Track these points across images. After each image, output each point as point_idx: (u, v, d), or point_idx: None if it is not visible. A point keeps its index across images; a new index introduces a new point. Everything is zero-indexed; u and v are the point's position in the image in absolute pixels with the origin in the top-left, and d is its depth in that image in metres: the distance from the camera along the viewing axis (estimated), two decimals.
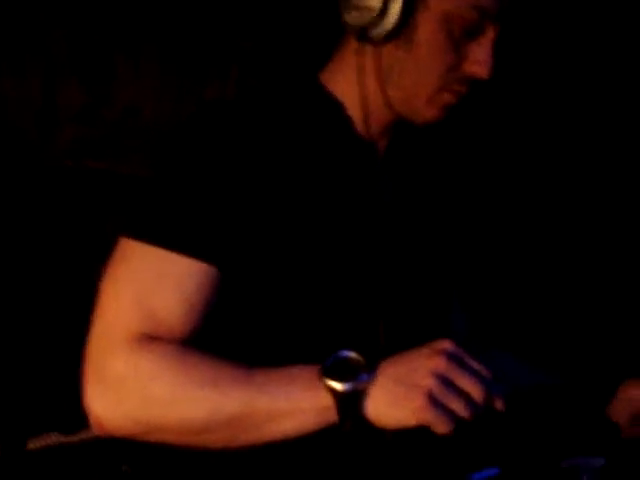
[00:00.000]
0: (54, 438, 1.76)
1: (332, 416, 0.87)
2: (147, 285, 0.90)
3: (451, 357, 0.87)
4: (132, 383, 0.87)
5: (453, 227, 1.19)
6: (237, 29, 2.09)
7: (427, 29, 0.96)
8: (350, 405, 0.86)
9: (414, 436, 0.90)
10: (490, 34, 0.97)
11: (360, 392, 0.86)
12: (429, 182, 1.16)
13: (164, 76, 1.97)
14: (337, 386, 0.86)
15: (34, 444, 1.74)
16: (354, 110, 1.03)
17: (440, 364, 0.86)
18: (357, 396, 0.86)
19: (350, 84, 1.02)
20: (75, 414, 1.84)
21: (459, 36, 0.96)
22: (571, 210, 2.08)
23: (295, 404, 0.88)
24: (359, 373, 0.87)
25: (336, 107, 1.03)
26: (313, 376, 0.87)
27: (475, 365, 0.88)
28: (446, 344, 0.88)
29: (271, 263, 0.95)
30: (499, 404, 0.88)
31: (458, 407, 0.85)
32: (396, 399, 0.86)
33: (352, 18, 0.95)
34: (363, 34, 0.96)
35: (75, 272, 2.20)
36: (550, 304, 2.02)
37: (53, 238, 2.16)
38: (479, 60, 0.97)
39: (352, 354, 0.88)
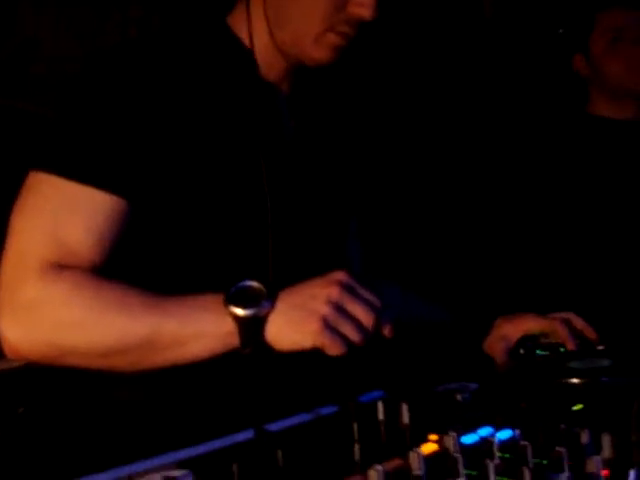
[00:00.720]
0: None
1: (235, 341, 0.92)
2: (58, 216, 0.93)
3: (345, 286, 0.92)
4: (44, 308, 0.91)
5: (349, 162, 1.23)
6: None
7: None
8: (251, 330, 0.91)
9: (304, 359, 0.95)
10: None
11: (261, 317, 0.91)
12: (328, 121, 1.20)
13: (64, 9, 1.92)
14: (239, 312, 0.91)
15: None
16: (257, 53, 1.06)
17: (334, 292, 0.91)
18: (258, 321, 0.91)
19: (253, 28, 1.05)
20: None
21: None
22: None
23: (200, 328, 0.92)
24: (260, 300, 0.92)
25: (241, 49, 1.06)
26: (218, 303, 0.92)
27: (367, 294, 0.93)
28: (340, 275, 0.94)
29: (173, 195, 0.99)
30: (387, 331, 0.94)
31: (350, 332, 0.91)
32: (293, 323, 0.91)
33: None
34: None
35: None
36: (439, 240, 2.12)
37: None
38: (361, 1, 1.00)
39: (254, 283, 0.92)
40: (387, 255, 1.49)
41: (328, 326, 0.90)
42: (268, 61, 1.07)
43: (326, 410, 0.89)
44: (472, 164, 2.10)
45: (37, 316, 0.91)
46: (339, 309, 0.91)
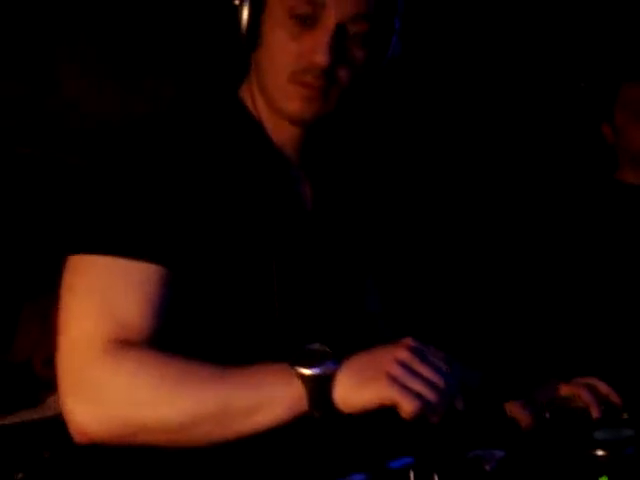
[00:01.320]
0: None
1: (304, 405, 0.91)
2: (109, 294, 0.93)
3: (413, 349, 0.93)
4: (112, 388, 0.91)
5: (367, 223, 1.26)
6: (171, 31, 2.14)
7: (271, 30, 1.03)
8: (319, 391, 0.91)
9: (338, 423, 0.95)
10: (326, 22, 1.00)
11: (328, 377, 0.91)
12: (346, 182, 1.23)
13: (105, 71, 2.01)
14: (306, 372, 0.91)
15: None
16: (264, 121, 1.09)
17: (402, 354, 0.92)
18: (325, 381, 0.91)
19: (255, 97, 1.09)
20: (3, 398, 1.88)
21: (297, 28, 1.01)
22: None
23: (271, 395, 0.92)
24: (326, 361, 0.92)
25: (251, 120, 1.09)
26: (285, 369, 0.92)
27: (435, 359, 0.93)
28: (408, 340, 0.94)
29: (198, 263, 1.00)
30: (458, 403, 0.94)
31: (422, 388, 0.90)
32: (362, 382, 0.91)
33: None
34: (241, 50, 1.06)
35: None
36: (463, 298, 2.16)
37: None
38: (312, 47, 1.01)
39: (318, 345, 0.93)
40: (407, 312, 1.52)
41: (398, 383, 0.90)
42: (275, 129, 1.10)
43: (358, 477, 0.92)
44: (499, 227, 2.15)
45: (105, 397, 0.91)
46: (408, 369, 0.91)
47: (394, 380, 0.90)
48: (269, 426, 0.93)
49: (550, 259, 1.79)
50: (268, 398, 0.92)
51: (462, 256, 2.27)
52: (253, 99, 1.09)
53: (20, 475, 1.81)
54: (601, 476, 0.90)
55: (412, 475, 0.88)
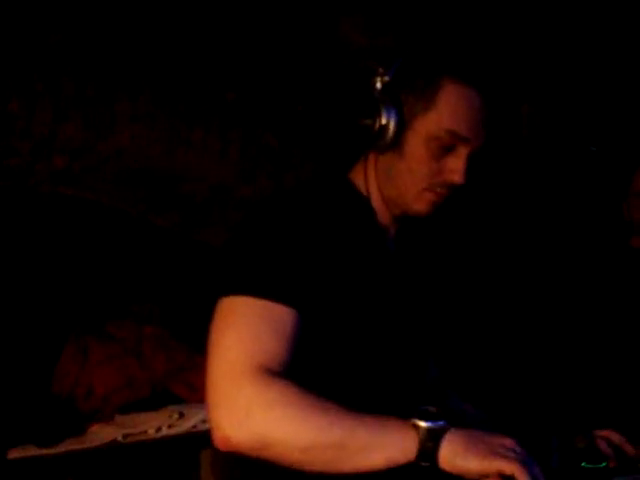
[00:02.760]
0: (32, 450, 1.88)
1: (412, 455, 1.04)
2: (256, 329, 1.10)
3: (517, 444, 1.05)
4: (258, 405, 1.05)
5: (439, 300, 1.44)
6: (221, 82, 2.31)
7: (413, 145, 1.25)
8: (429, 442, 1.03)
9: None
10: (462, 150, 1.25)
11: (439, 432, 1.04)
12: (426, 261, 1.43)
13: (157, 121, 2.15)
14: (422, 424, 1.05)
15: (13, 454, 1.85)
16: (374, 203, 1.30)
17: (508, 442, 1.05)
18: (436, 435, 1.04)
19: (368, 184, 1.30)
20: (49, 430, 1.97)
21: (438, 151, 1.24)
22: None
23: (386, 438, 1.05)
24: (439, 420, 1.06)
25: (363, 201, 1.30)
26: (404, 420, 1.06)
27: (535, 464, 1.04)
28: (512, 439, 1.07)
29: (324, 312, 1.17)
30: None
31: (524, 464, 1.01)
32: (470, 448, 1.03)
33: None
34: (368, 147, 1.27)
35: (47, 284, 2.33)
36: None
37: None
38: (453, 169, 1.25)
39: (433, 408, 1.07)
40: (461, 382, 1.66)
41: (509, 457, 1.01)
42: (380, 210, 1.31)
43: None
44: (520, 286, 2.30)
45: (252, 412, 1.05)
46: (510, 451, 1.03)
47: (504, 456, 1.02)
48: (381, 466, 1.05)
49: (566, 310, 1.93)
50: (386, 440, 1.05)
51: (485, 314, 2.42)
52: (366, 185, 1.30)
53: None
54: None
55: None
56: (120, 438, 1.95)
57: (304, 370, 1.14)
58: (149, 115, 2.14)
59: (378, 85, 1.24)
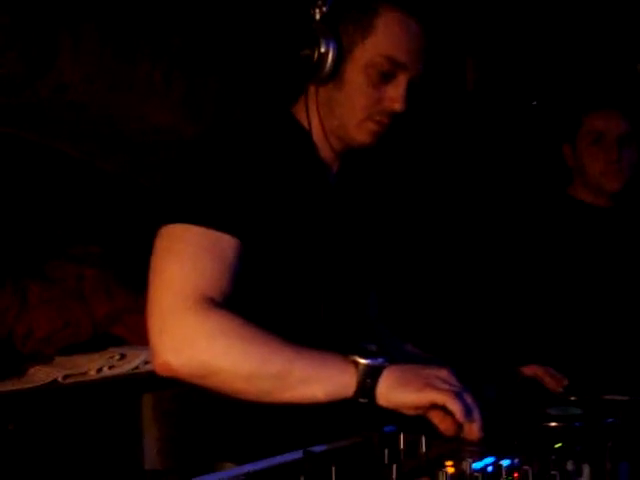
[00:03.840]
0: None
1: (350, 391, 1.07)
2: (201, 258, 1.11)
3: (452, 374, 1.09)
4: (200, 334, 1.07)
5: (378, 233, 1.46)
6: (167, 26, 2.26)
7: (352, 74, 1.26)
8: (367, 379, 1.06)
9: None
10: (401, 78, 1.25)
11: (378, 369, 1.07)
12: (367, 197, 1.45)
13: (100, 58, 2.10)
14: (362, 360, 1.07)
15: None
16: (315, 137, 1.30)
17: (443, 373, 1.08)
18: (375, 372, 1.07)
19: (310, 117, 1.29)
20: None
21: (377, 79, 1.25)
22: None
23: (325, 371, 1.08)
24: (378, 357, 1.09)
25: (305, 134, 1.30)
26: (343, 357, 1.09)
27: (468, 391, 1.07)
28: (448, 369, 1.10)
29: (261, 240, 1.19)
30: (477, 429, 1.06)
31: (463, 398, 1.04)
32: (405, 383, 1.06)
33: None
34: (309, 79, 1.27)
35: None
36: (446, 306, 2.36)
37: None
38: (392, 97, 1.26)
39: (373, 346, 1.13)
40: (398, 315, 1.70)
41: (441, 389, 1.05)
42: (321, 144, 1.31)
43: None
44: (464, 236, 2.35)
45: (193, 340, 1.07)
46: (448, 384, 1.06)
47: (437, 388, 1.05)
48: (318, 399, 1.08)
49: (513, 267, 1.98)
50: (325, 374, 1.08)
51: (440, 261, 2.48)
52: (308, 118, 1.29)
53: None
54: (557, 443, 1.07)
55: (402, 438, 1.01)
56: (60, 379, 1.94)
57: (244, 300, 1.15)
58: (93, 52, 2.08)
59: (317, 16, 1.24)
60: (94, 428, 1.92)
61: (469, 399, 1.06)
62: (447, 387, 1.06)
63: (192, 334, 1.07)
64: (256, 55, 2.26)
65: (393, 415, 1.10)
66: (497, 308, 1.96)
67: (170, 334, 1.08)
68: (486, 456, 0.97)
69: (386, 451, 0.98)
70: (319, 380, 1.08)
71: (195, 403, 1.27)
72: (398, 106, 1.25)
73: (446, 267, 2.49)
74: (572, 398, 1.37)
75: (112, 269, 2.27)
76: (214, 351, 1.07)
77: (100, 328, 2.21)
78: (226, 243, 1.13)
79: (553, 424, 1.18)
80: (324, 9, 1.24)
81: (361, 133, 1.27)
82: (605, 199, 2.02)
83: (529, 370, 1.45)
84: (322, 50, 1.22)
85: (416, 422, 1.09)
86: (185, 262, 1.11)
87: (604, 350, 1.85)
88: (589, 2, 2.64)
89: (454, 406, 1.04)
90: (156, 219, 1.16)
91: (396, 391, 1.06)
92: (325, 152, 1.32)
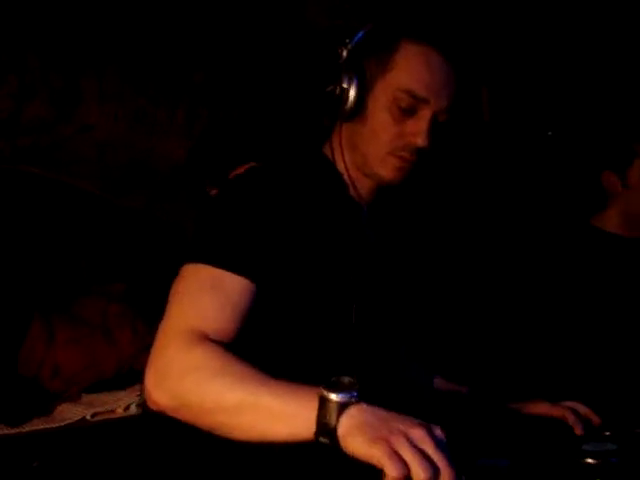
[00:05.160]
0: (1, 429, 1.87)
1: (310, 430, 0.94)
2: (200, 294, 1.11)
3: (430, 435, 0.89)
4: (177, 367, 1.06)
5: (414, 277, 1.46)
6: (189, 63, 2.30)
7: (374, 109, 1.26)
8: (327, 415, 0.93)
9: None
10: (424, 113, 1.24)
11: (342, 406, 0.93)
12: (400, 231, 1.44)
13: (123, 100, 2.13)
14: (326, 394, 0.94)
15: None
16: (346, 175, 1.31)
17: (417, 433, 0.89)
18: (339, 409, 0.93)
19: (338, 155, 1.32)
20: (16, 410, 1.96)
21: (399, 114, 1.25)
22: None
23: (291, 408, 0.97)
24: (349, 393, 0.94)
25: (335, 173, 1.31)
26: (314, 391, 0.96)
27: (444, 456, 0.88)
28: (437, 429, 0.91)
29: (284, 284, 1.18)
30: None
31: (415, 461, 0.86)
32: (362, 426, 0.90)
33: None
34: (335, 116, 1.28)
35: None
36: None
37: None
38: (414, 132, 1.25)
39: (349, 377, 0.96)
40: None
41: (392, 448, 0.87)
42: (353, 182, 1.32)
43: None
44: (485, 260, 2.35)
45: (169, 372, 1.06)
46: (412, 445, 0.88)
47: (391, 444, 0.87)
48: (284, 439, 0.98)
49: (532, 297, 1.98)
50: (289, 410, 0.97)
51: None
52: (335, 157, 1.31)
53: None
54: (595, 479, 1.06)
55: None
56: (89, 417, 1.94)
57: (256, 341, 1.14)
58: (115, 93, 2.12)
59: (344, 55, 1.25)
60: (123, 465, 1.92)
61: (428, 471, 0.86)
62: (407, 448, 0.87)
63: (167, 367, 1.06)
64: (279, 92, 2.29)
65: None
66: (525, 337, 1.95)
67: (153, 368, 1.07)
68: None
69: None
70: (283, 417, 0.97)
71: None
72: (420, 141, 1.24)
73: (473, 297, 2.49)
74: (607, 433, 1.36)
75: (136, 305, 2.28)
76: (182, 386, 1.05)
77: (125, 364, 2.21)
78: (234, 283, 1.12)
79: (590, 461, 1.17)
80: (350, 47, 1.25)
81: (385, 169, 1.27)
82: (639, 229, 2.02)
83: (557, 411, 1.42)
84: (344, 86, 1.24)
85: None
86: (185, 300, 1.11)
87: (633, 380, 1.84)
88: (599, 31, 2.66)
89: (391, 471, 0.85)
90: (182, 259, 1.18)
91: (352, 437, 0.91)
92: (355, 190, 1.32)
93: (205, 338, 1.08)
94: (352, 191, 1.32)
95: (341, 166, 1.31)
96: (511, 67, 2.82)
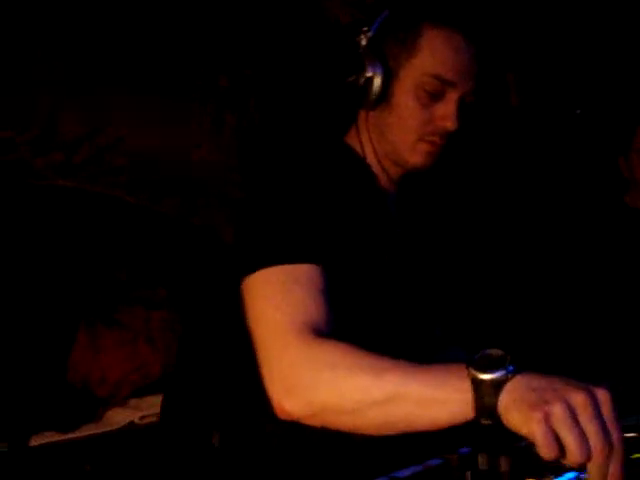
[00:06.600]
0: (53, 437, 1.93)
1: (469, 412, 0.92)
2: (290, 293, 1.08)
3: (595, 401, 0.85)
4: (305, 370, 1.02)
5: (441, 262, 1.47)
6: (213, 67, 2.33)
7: (401, 95, 1.26)
8: (485, 396, 0.90)
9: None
10: (451, 96, 1.25)
11: (498, 383, 0.89)
12: (427, 217, 1.45)
13: (152, 109, 2.18)
14: (478, 375, 0.91)
15: (35, 441, 1.90)
16: (371, 165, 1.32)
17: (578, 398, 0.84)
18: (496, 387, 0.89)
19: (363, 145, 1.32)
20: (67, 417, 2.02)
21: (426, 99, 1.25)
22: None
23: (441, 391, 0.94)
24: (501, 367, 0.90)
25: (361, 163, 1.32)
26: (459, 369, 0.93)
27: (612, 423, 0.84)
28: (601, 390, 0.86)
29: (342, 260, 1.17)
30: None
31: (571, 443, 0.82)
32: (521, 403, 0.86)
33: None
34: (359, 106, 1.28)
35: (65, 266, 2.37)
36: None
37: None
38: (443, 116, 1.25)
39: (496, 350, 0.92)
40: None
41: (551, 423, 0.83)
42: (378, 172, 1.32)
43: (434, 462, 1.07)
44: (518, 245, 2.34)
45: (298, 377, 1.02)
46: (572, 416, 0.83)
47: (548, 418, 0.84)
48: (437, 424, 0.96)
49: (565, 267, 1.98)
50: (440, 394, 0.94)
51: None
52: (362, 146, 1.31)
53: None
54: (634, 454, 1.05)
55: (482, 457, 1.01)
56: (137, 420, 1.99)
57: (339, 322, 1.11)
58: (145, 102, 2.16)
59: (363, 42, 1.24)
60: (175, 467, 1.96)
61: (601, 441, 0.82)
62: (562, 423, 0.83)
63: (296, 373, 1.03)
64: (304, 86, 2.30)
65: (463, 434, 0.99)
66: (564, 316, 1.95)
67: (277, 376, 1.04)
68: (567, 471, 0.97)
69: (468, 474, 0.98)
70: (436, 402, 0.94)
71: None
72: (449, 124, 1.24)
73: (506, 277, 2.48)
74: None
75: (178, 310, 2.33)
76: (316, 388, 1.01)
77: (169, 368, 2.26)
78: (310, 272, 1.10)
79: (629, 435, 1.17)
80: (369, 34, 1.25)
81: (415, 155, 1.26)
82: None
83: None
84: (368, 74, 1.23)
85: (492, 440, 1.00)
86: (278, 301, 1.08)
87: None
88: (630, 10, 2.63)
89: (544, 455, 0.83)
90: (234, 271, 1.16)
91: (510, 414, 0.88)
92: (382, 179, 1.32)
93: (315, 332, 1.05)
94: (379, 179, 1.32)
95: (369, 155, 1.31)
96: (536, 44, 2.80)
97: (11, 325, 2.10)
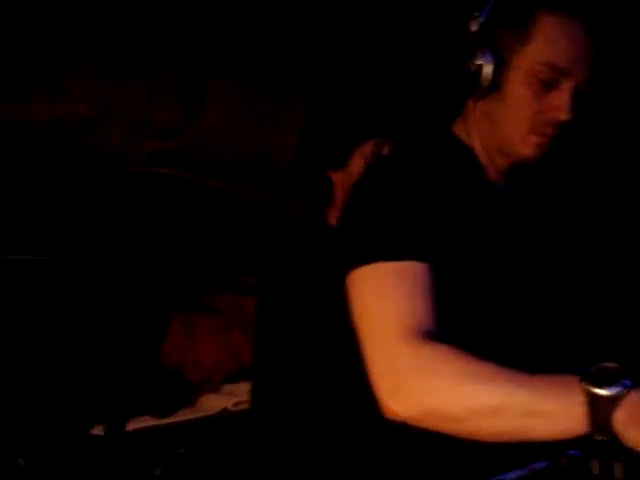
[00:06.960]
0: (149, 421, 1.98)
1: (583, 426, 0.90)
2: (398, 292, 1.06)
3: None
4: (412, 372, 1.00)
5: (548, 253, 1.41)
6: (306, 60, 2.32)
7: (513, 84, 1.20)
8: (601, 412, 0.89)
9: None
10: (565, 85, 1.19)
11: (614, 398, 0.88)
12: (534, 209, 1.40)
13: (245, 99, 2.19)
14: (594, 390, 0.89)
15: (132, 426, 1.95)
16: (479, 155, 1.27)
17: None
18: (610, 403, 0.88)
19: (471, 135, 1.27)
20: (163, 402, 2.06)
21: (539, 88, 1.19)
22: None
23: (552, 404, 0.92)
24: (617, 382, 0.89)
25: (469, 154, 1.27)
26: (572, 382, 0.91)
27: None
28: None
29: (452, 256, 1.13)
30: None
31: None
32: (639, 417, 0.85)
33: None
34: (469, 94, 1.22)
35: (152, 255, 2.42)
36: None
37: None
38: (556, 106, 1.19)
39: (612, 364, 0.91)
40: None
41: None
42: (485, 162, 1.27)
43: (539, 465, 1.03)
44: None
45: (408, 380, 1.00)
46: None
47: None
48: (545, 436, 0.94)
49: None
50: (549, 406, 0.92)
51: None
52: (470, 137, 1.27)
53: (158, 471, 1.99)
54: None
55: (596, 463, 0.97)
56: (231, 407, 2.02)
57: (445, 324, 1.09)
58: (238, 92, 2.18)
59: (474, 28, 1.19)
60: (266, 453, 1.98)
61: None
62: None
63: (403, 374, 1.01)
64: (409, 74, 2.26)
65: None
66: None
67: (384, 375, 1.03)
68: None
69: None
70: (545, 414, 0.92)
71: None
72: (563, 115, 1.18)
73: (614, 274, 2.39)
74: None
75: (262, 297, 2.35)
76: (427, 392, 1.00)
77: None
78: (418, 270, 1.08)
79: None
80: (480, 20, 1.19)
81: (526, 147, 1.21)
82: None
83: None
84: (479, 62, 1.19)
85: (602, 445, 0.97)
86: (383, 298, 1.07)
87: None
88: None
89: None
90: (339, 263, 1.14)
91: (628, 431, 0.87)
92: (490, 170, 1.28)
93: (421, 331, 1.03)
94: (487, 171, 1.28)
95: (476, 145, 1.26)
96: None
97: (108, 309, 2.16)
